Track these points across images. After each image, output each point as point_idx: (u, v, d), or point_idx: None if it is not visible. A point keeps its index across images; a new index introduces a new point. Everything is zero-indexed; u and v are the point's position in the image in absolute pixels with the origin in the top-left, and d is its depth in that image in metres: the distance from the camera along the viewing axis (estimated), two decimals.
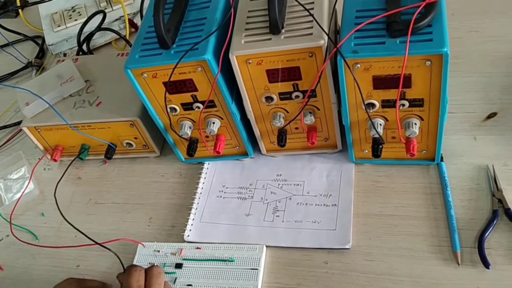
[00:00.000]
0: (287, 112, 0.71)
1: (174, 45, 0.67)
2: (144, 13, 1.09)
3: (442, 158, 0.72)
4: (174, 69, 0.64)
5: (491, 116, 0.76)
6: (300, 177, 0.77)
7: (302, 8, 0.64)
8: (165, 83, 0.68)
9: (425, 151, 0.71)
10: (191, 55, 0.64)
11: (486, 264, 0.61)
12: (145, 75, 0.68)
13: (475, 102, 0.78)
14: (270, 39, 0.63)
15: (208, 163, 0.83)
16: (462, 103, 0.78)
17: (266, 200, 0.76)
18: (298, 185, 0.76)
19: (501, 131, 0.74)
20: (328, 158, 0.78)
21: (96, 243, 0.70)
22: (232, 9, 0.65)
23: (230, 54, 0.64)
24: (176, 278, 0.69)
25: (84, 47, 1.07)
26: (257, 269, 0.67)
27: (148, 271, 0.63)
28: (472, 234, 0.65)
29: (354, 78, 0.60)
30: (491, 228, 0.64)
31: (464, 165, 0.72)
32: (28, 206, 0.87)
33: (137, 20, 1.11)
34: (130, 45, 1.04)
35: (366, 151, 0.73)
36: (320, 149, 0.77)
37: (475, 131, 0.75)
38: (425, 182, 0.71)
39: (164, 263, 0.71)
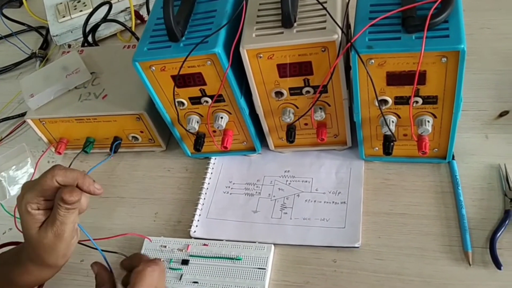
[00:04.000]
0: (297, 107, 0.70)
1: (183, 38, 0.65)
2: (150, 4, 1.08)
3: (453, 156, 0.70)
4: (183, 62, 0.63)
5: (503, 114, 0.75)
6: (308, 173, 0.76)
7: (315, 1, 0.63)
8: (173, 77, 0.67)
9: (436, 149, 0.70)
10: (200, 48, 0.63)
11: (497, 265, 0.60)
12: (153, 68, 0.66)
13: (487, 100, 0.77)
14: (282, 32, 0.62)
15: (215, 158, 0.82)
16: (473, 101, 0.77)
17: (274, 196, 0.74)
18: (306, 181, 0.75)
19: None
20: (337, 155, 0.77)
21: (99, 250, 0.65)
22: (245, 2, 0.63)
23: (240, 48, 0.62)
24: (182, 275, 0.68)
25: (89, 38, 1.05)
26: (264, 268, 0.66)
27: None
28: (483, 234, 0.64)
29: (368, 74, 0.59)
30: (503, 228, 0.63)
31: (476, 163, 0.71)
32: None
33: (143, 12, 1.10)
34: (136, 37, 1.03)
35: (377, 148, 0.72)
36: (329, 145, 0.76)
37: (487, 129, 0.74)
38: (436, 181, 0.70)
39: (171, 259, 0.70)
